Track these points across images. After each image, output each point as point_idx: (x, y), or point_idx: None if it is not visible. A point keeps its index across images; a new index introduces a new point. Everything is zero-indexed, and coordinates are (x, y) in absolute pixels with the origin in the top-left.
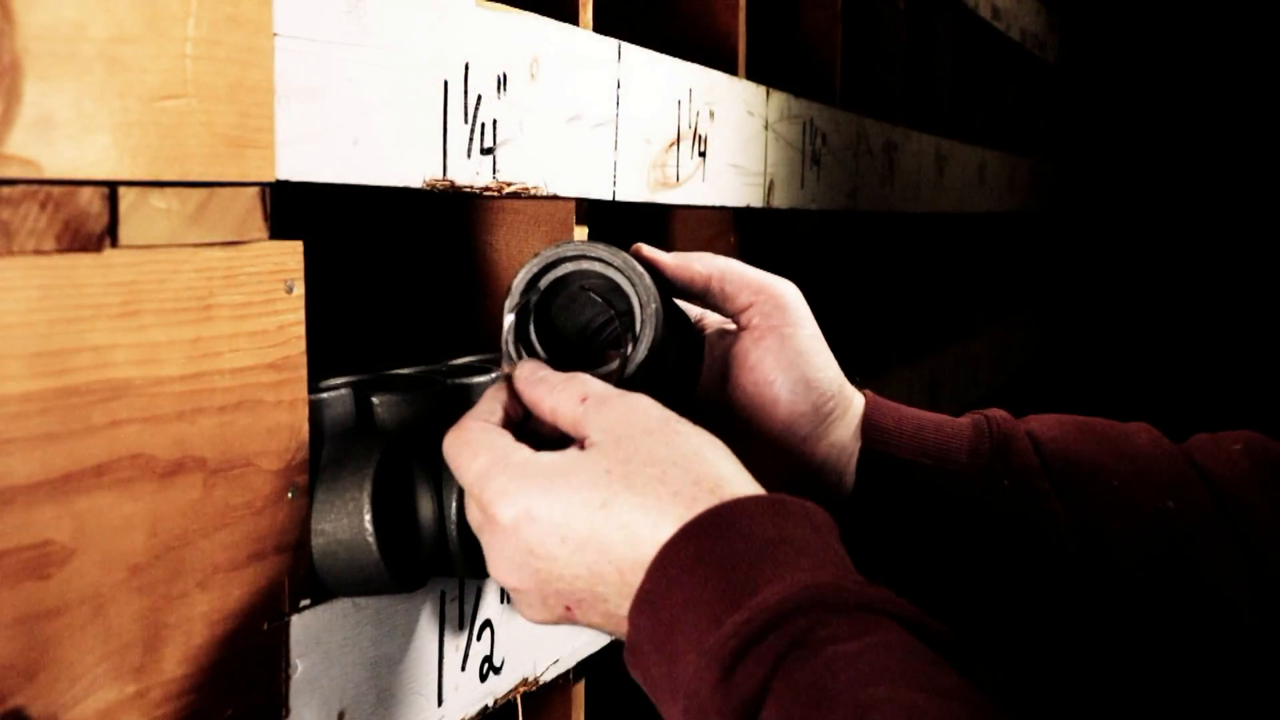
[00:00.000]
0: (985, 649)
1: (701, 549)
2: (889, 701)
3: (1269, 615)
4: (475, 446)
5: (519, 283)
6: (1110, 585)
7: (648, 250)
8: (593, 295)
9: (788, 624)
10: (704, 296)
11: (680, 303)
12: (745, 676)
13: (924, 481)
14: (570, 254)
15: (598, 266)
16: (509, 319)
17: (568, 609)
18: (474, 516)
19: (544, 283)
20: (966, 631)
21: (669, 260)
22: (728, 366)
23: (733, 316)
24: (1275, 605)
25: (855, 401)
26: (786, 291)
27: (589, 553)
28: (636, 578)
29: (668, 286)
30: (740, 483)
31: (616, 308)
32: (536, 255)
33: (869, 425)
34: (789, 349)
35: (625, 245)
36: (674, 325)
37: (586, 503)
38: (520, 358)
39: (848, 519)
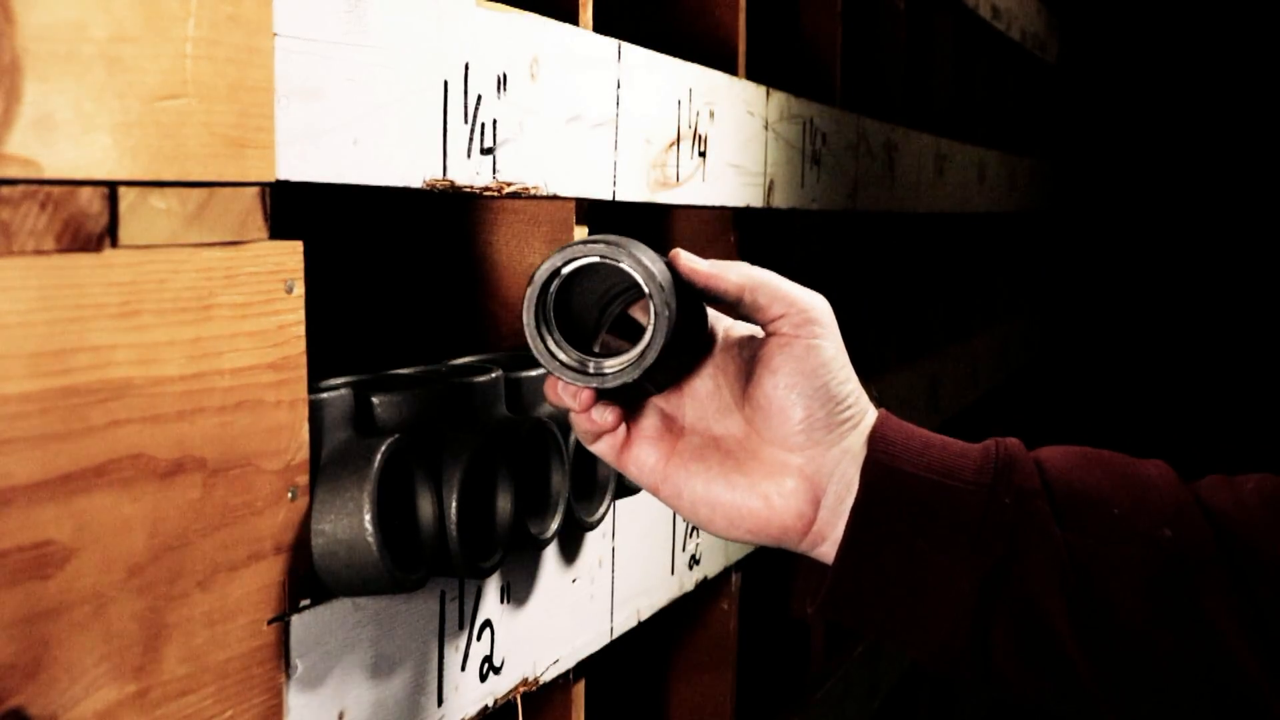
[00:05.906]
0: (975, 666)
1: None
2: None
3: (1265, 659)
4: None
5: (540, 275)
6: (1102, 608)
7: (684, 259)
8: (608, 284)
9: None
10: (735, 306)
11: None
12: None
13: (925, 494)
14: (587, 252)
15: (624, 264)
16: (529, 311)
17: None
18: None
19: (566, 271)
20: (959, 648)
21: (703, 269)
22: (753, 368)
23: (763, 325)
24: (1272, 649)
25: (870, 414)
26: (818, 304)
27: None
28: None
29: (699, 294)
30: None
31: (629, 292)
32: (559, 250)
33: (876, 436)
34: (813, 359)
35: None
36: (683, 324)
37: None
38: (541, 348)
39: (849, 527)
